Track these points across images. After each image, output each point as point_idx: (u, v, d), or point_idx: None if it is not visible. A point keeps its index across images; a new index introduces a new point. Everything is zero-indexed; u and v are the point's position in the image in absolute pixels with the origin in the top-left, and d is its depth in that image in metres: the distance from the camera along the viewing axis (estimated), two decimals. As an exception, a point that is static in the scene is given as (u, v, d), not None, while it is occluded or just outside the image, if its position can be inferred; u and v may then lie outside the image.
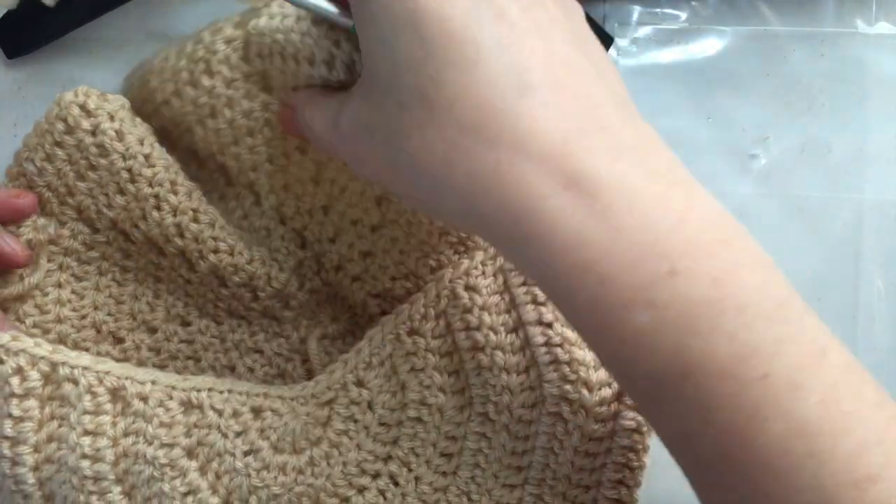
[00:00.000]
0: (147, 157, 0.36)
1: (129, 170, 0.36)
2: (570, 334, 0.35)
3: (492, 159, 0.25)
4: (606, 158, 0.25)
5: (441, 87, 0.25)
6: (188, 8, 0.42)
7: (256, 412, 0.35)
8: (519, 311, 0.35)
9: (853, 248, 0.44)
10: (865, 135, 0.44)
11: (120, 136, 0.36)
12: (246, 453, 0.34)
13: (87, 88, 0.36)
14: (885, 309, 0.44)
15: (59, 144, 0.36)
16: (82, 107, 0.35)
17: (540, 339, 0.35)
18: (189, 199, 0.36)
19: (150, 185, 0.36)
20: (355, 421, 0.36)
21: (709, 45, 0.44)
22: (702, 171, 0.44)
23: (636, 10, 0.43)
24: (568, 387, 0.35)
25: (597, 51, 0.28)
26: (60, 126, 0.35)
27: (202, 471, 0.34)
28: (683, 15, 0.44)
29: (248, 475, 0.34)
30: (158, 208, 0.36)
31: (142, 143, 0.36)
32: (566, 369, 0.35)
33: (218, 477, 0.34)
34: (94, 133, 0.35)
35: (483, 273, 0.35)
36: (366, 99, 0.29)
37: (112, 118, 0.36)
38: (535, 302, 0.35)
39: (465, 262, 0.35)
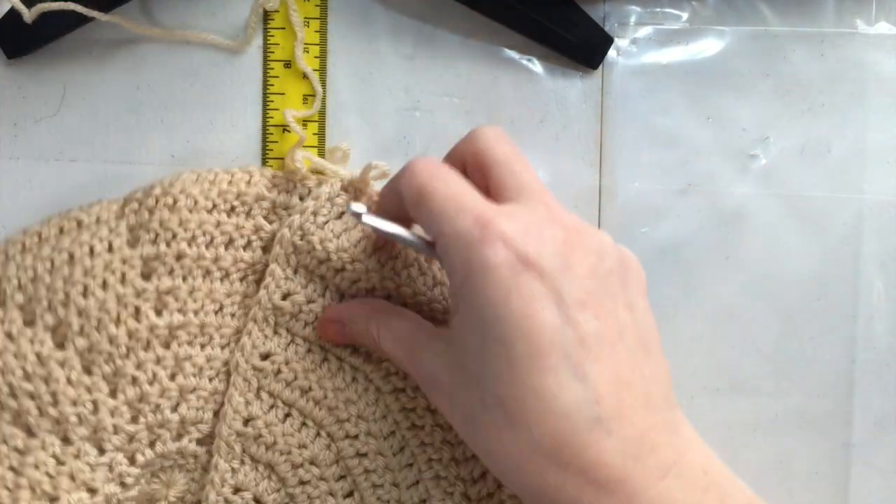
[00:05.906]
0: None
1: None
2: None
3: (559, 479, 0.30)
4: (655, 477, 0.30)
5: (523, 409, 0.30)
6: (188, 7, 0.42)
7: None
8: None
9: (853, 248, 0.44)
10: (865, 135, 0.44)
11: None
12: None
13: None
14: (885, 309, 0.44)
15: None
16: None
17: None
18: None
19: None
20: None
21: (709, 45, 0.43)
22: (702, 171, 0.45)
23: (636, 11, 0.43)
24: None
25: (653, 342, 0.32)
26: None
27: None
28: (683, 15, 0.44)
29: None
30: None
31: None
32: None
33: None
34: None
35: None
36: (453, 364, 0.32)
37: None
38: None
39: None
